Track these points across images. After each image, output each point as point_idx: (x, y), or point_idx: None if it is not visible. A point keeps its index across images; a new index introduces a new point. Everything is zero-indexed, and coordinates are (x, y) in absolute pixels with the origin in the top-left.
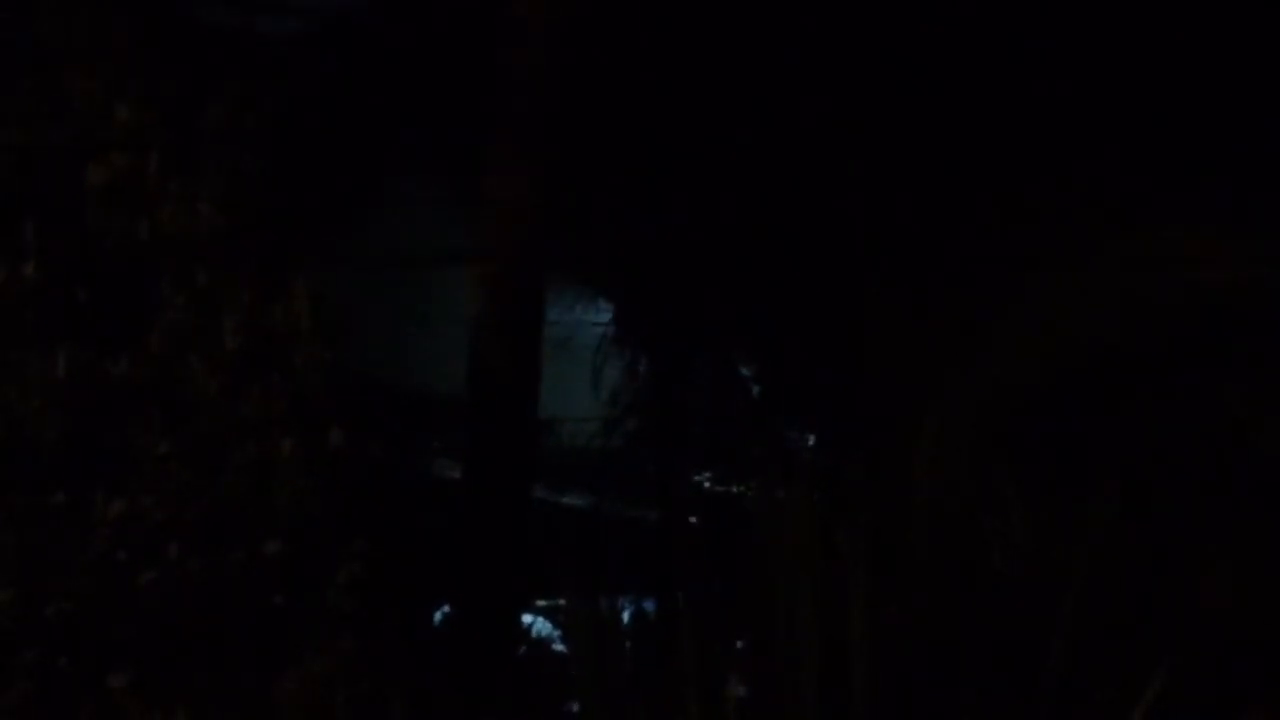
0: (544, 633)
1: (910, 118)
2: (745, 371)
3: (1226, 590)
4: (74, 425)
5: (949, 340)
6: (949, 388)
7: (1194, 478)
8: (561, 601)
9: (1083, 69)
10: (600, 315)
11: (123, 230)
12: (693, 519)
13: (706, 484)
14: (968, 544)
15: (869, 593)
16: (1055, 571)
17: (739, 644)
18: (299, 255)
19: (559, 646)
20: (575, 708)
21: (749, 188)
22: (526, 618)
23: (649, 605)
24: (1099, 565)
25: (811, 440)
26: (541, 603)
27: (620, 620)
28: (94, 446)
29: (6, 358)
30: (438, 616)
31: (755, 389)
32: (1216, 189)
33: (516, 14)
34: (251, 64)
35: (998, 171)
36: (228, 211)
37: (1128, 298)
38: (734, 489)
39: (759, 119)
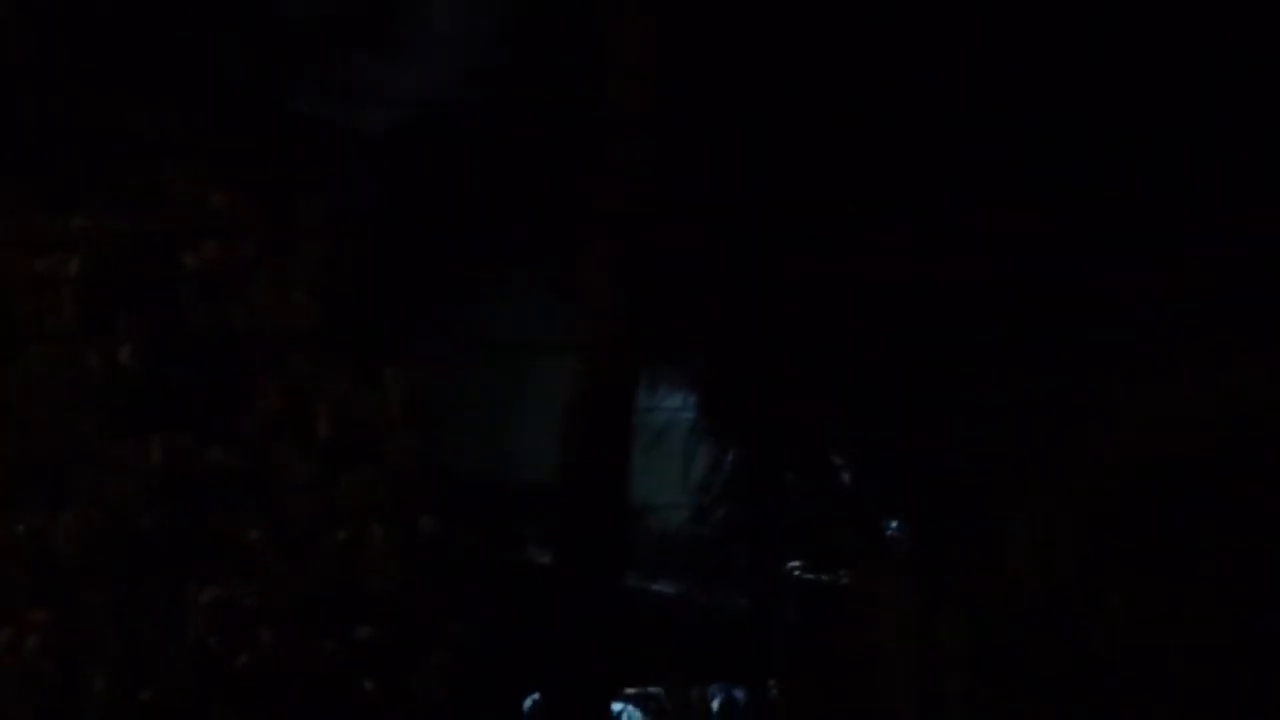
0: None
1: (1009, 222)
2: (837, 460)
3: None
4: (169, 513)
5: (1043, 433)
6: (1044, 480)
7: None
8: (652, 689)
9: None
10: (691, 405)
11: (217, 318)
12: (784, 607)
13: (797, 572)
14: (1064, 628)
15: (965, 677)
16: (1155, 661)
17: None
18: (391, 344)
19: None
20: None
21: (840, 282)
22: (616, 705)
23: (740, 694)
24: (1198, 655)
25: (903, 529)
26: (631, 690)
27: (711, 708)
28: (188, 533)
29: (103, 446)
30: (528, 704)
31: (846, 477)
32: None
33: (609, 108)
34: (345, 154)
35: (1090, 274)
36: (321, 299)
37: (1221, 400)
38: (825, 577)
39: (843, 210)
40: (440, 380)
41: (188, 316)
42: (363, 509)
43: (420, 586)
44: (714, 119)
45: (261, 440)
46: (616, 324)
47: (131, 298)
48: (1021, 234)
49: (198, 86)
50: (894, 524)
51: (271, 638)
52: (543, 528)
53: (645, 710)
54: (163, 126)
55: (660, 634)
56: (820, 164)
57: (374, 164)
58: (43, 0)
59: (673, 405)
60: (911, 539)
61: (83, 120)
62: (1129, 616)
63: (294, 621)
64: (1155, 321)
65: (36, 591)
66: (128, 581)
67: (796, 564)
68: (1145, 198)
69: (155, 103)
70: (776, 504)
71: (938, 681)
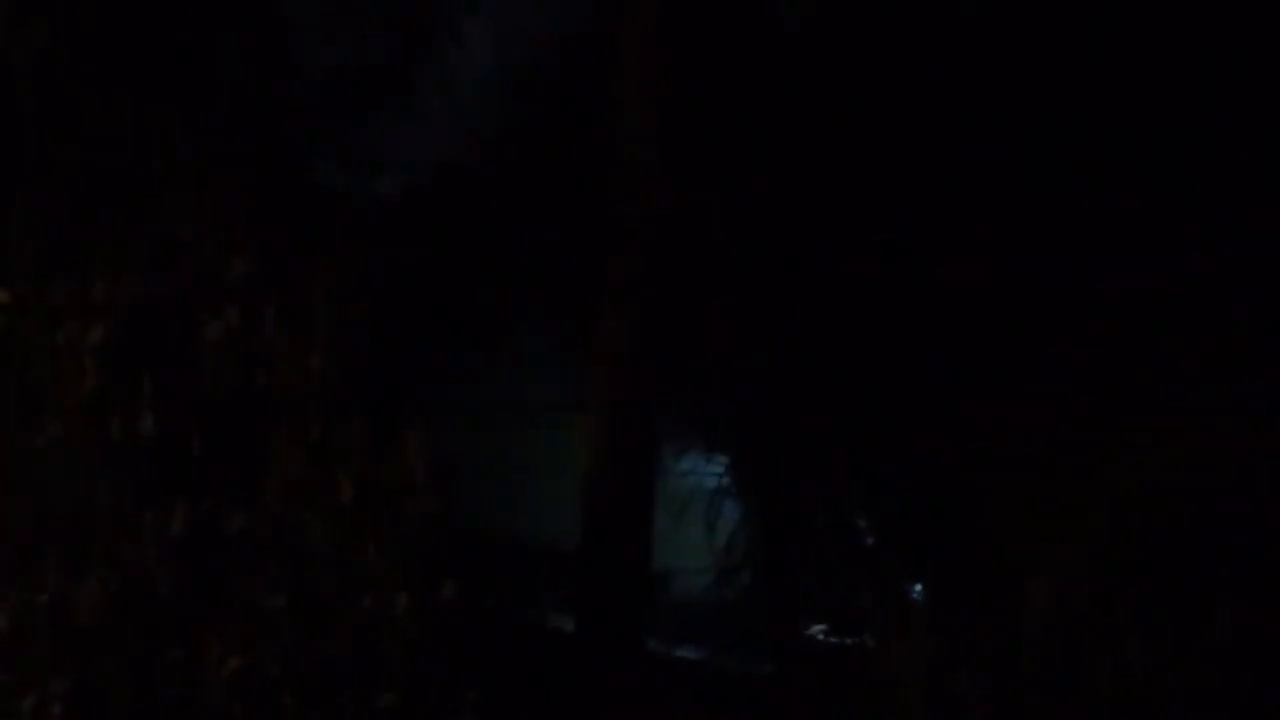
0: None
1: (1028, 268)
2: (861, 523)
3: None
4: (190, 580)
5: (1066, 486)
6: (1065, 533)
7: None
8: None
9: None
10: (715, 466)
11: (238, 384)
12: (808, 671)
13: (821, 635)
14: (1086, 688)
15: None
16: (1174, 709)
17: None
18: (411, 408)
19: None
20: None
21: (858, 344)
22: None
23: None
24: (1223, 710)
25: (927, 590)
26: None
27: None
28: (210, 601)
29: (124, 513)
30: None
31: (869, 539)
32: None
33: (622, 167)
34: (361, 218)
35: (1109, 321)
36: (340, 364)
37: (1239, 443)
38: (849, 640)
39: (868, 269)
40: (461, 444)
41: (208, 383)
42: (385, 574)
43: (443, 652)
44: (732, 171)
45: (283, 507)
46: (635, 384)
47: (153, 364)
48: (1050, 291)
49: (218, 151)
50: (918, 587)
51: (294, 704)
52: (565, 592)
53: None
54: (182, 191)
55: (684, 699)
56: (844, 216)
57: (391, 227)
58: (59, 62)
59: (697, 470)
60: (934, 598)
61: (101, 186)
62: (1152, 672)
63: (316, 688)
64: (1181, 371)
65: (57, 659)
66: (149, 649)
67: (820, 628)
68: (1181, 237)
69: (175, 167)
70: (800, 567)
71: None
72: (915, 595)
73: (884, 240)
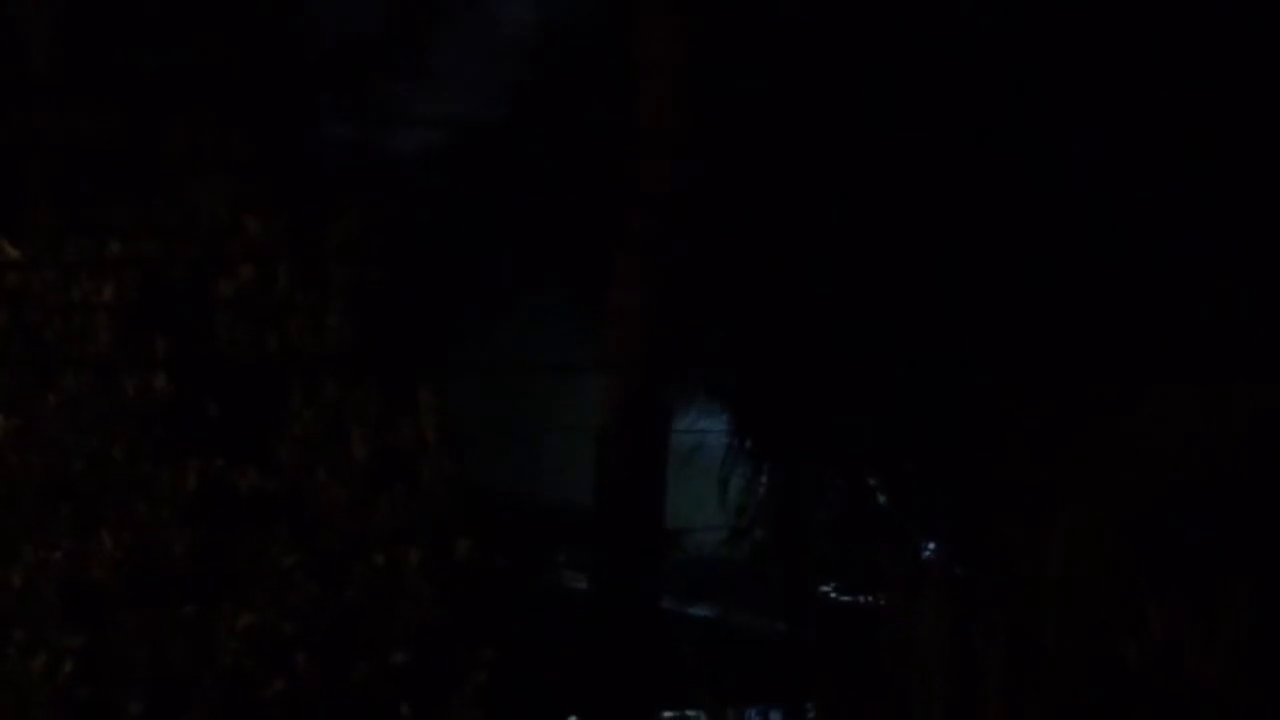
0: None
1: (1037, 236)
2: (872, 481)
3: None
4: (203, 537)
5: (1077, 447)
6: (1080, 495)
7: None
8: (689, 712)
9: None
10: (727, 426)
11: (252, 343)
12: (821, 629)
13: (832, 594)
14: (1103, 645)
15: (1004, 697)
16: (1192, 671)
17: None
18: (426, 367)
19: None
20: None
21: (874, 304)
22: None
23: (777, 716)
24: (1235, 665)
25: (940, 549)
26: (669, 714)
27: None
28: (223, 558)
29: (137, 470)
30: None
31: (881, 498)
32: None
33: (639, 129)
34: (378, 178)
35: (1123, 287)
36: (356, 323)
37: (1260, 406)
38: (861, 599)
39: (877, 226)
40: (474, 403)
41: (222, 341)
42: (398, 533)
43: (456, 610)
44: (746, 136)
45: (296, 465)
46: (648, 344)
47: (166, 323)
48: (1054, 252)
49: (231, 110)
50: (930, 545)
51: (307, 662)
52: (578, 550)
53: None
54: (197, 150)
55: (697, 656)
56: (854, 181)
57: (405, 186)
58: (75, 24)
59: (709, 428)
60: (948, 558)
61: (116, 144)
62: (1168, 632)
63: (329, 646)
64: (1189, 332)
65: (71, 617)
66: (162, 606)
67: (831, 586)
68: (1170, 211)
69: (189, 126)
70: (812, 526)
71: (977, 702)
72: (928, 555)
73: (898, 201)
